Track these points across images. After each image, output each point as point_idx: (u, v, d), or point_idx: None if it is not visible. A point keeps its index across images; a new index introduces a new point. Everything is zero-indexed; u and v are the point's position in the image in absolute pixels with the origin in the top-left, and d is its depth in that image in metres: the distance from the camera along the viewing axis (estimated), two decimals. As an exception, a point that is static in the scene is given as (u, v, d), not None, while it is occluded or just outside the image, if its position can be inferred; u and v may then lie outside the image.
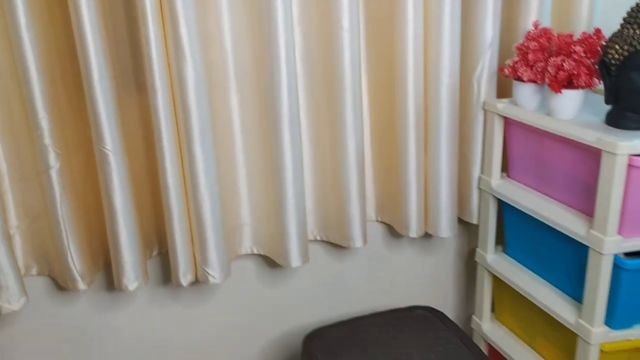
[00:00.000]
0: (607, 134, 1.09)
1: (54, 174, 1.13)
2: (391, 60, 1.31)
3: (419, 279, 1.64)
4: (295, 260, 1.34)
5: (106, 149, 1.12)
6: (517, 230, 1.42)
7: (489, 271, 1.50)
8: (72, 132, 1.18)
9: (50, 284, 1.30)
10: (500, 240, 1.51)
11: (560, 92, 1.18)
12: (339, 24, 1.21)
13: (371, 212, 1.52)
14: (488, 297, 1.55)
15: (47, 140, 1.11)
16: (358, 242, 1.41)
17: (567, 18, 1.45)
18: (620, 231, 1.11)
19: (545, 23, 1.38)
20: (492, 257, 1.49)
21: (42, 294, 1.30)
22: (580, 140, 1.12)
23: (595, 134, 1.09)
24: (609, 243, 1.10)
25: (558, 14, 1.46)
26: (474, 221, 1.51)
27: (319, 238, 1.47)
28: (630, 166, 1.05)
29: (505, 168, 1.43)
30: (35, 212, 1.20)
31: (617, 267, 1.12)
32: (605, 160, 1.07)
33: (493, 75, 1.38)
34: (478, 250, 1.52)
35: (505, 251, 1.50)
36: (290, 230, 1.31)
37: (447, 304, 1.69)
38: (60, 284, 1.24)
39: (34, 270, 1.26)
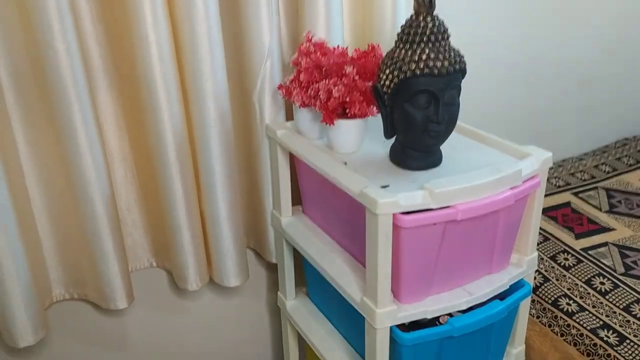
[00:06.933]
0: (375, 183, 0.86)
1: None
2: (136, 81, 1.03)
3: (218, 329, 1.39)
4: (25, 336, 1.05)
5: None
6: (314, 274, 1.21)
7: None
8: None
9: None
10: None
11: (332, 123, 0.96)
12: (47, 42, 0.90)
13: (150, 258, 1.24)
14: (294, 347, 1.34)
15: None
16: (121, 302, 1.14)
17: (370, 27, 1.21)
18: (398, 297, 0.91)
19: (337, 33, 1.13)
20: (292, 303, 1.27)
21: None
22: (345, 190, 0.90)
23: (359, 185, 0.86)
24: (381, 315, 0.89)
25: (359, 21, 1.23)
26: (273, 260, 1.28)
27: (76, 296, 1.18)
28: (396, 226, 0.83)
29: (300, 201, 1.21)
30: None
31: (394, 341, 0.92)
32: (369, 219, 0.85)
33: (277, 92, 1.13)
34: (279, 294, 1.30)
35: (308, 295, 1.28)
36: (13, 297, 1.02)
37: (252, 356, 1.46)
38: None
39: None
